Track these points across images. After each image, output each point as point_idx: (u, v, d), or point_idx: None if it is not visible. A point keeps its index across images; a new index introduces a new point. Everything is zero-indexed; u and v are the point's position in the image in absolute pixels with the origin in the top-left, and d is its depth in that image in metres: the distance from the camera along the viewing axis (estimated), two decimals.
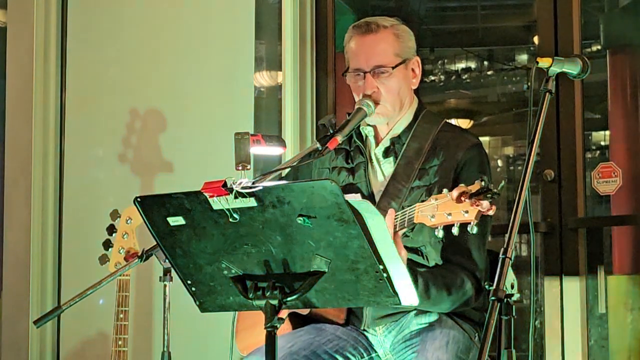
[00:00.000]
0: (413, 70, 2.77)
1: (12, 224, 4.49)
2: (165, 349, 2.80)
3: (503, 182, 2.20)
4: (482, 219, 2.24)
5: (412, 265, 2.49)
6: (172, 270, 2.45)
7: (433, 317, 2.63)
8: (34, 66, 4.49)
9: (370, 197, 2.68)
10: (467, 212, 2.21)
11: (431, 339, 2.52)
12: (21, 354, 4.37)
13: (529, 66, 7.20)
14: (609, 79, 4.48)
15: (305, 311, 2.75)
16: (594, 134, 6.08)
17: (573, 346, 3.72)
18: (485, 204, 2.18)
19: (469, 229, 2.22)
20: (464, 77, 7.87)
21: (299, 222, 1.98)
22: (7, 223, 4.52)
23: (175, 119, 4.30)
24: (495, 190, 2.16)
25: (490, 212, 2.22)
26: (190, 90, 4.28)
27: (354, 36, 2.74)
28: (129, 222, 3.15)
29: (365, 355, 2.71)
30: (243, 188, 1.99)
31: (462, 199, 2.20)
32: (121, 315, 3.16)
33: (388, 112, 2.71)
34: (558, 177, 3.78)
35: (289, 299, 2.07)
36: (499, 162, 8.08)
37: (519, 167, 7.63)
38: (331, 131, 2.65)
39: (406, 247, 2.45)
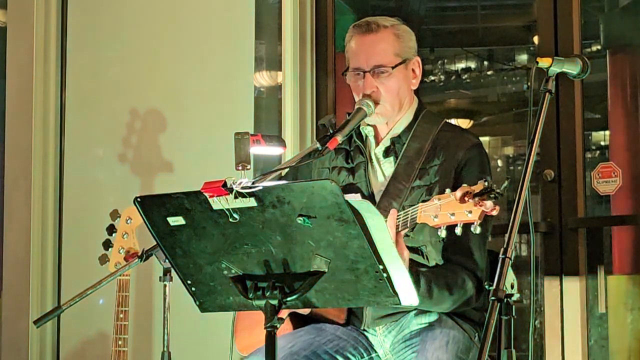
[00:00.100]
0: (413, 70, 2.76)
1: (12, 224, 4.49)
2: (165, 349, 2.80)
3: (506, 182, 2.19)
4: (484, 219, 2.24)
5: (414, 265, 2.49)
6: (172, 270, 2.45)
7: (433, 317, 2.63)
8: (34, 66, 4.49)
9: (370, 197, 2.68)
10: (470, 212, 2.21)
11: (431, 339, 2.52)
12: (21, 354, 4.37)
13: (529, 66, 7.20)
14: (609, 79, 4.48)
15: (306, 311, 2.75)
16: (594, 134, 6.07)
17: (573, 346, 3.72)
18: (488, 204, 2.18)
19: (472, 229, 2.22)
20: (464, 77, 7.86)
21: (299, 222, 1.98)
22: (7, 223, 4.52)
23: (175, 119, 4.30)
24: (498, 191, 2.16)
25: (494, 212, 2.22)
26: (190, 90, 4.28)
27: (355, 36, 2.74)
28: (129, 222, 3.15)
29: (365, 355, 2.71)
30: (243, 188, 1.99)
31: (466, 199, 2.20)
32: (121, 315, 3.16)
33: (387, 112, 2.71)
34: (558, 177, 3.78)
35: (288, 299, 2.07)
36: (499, 162, 8.08)
37: (519, 167, 7.63)
38: (331, 131, 2.65)
39: (407, 247, 2.45)
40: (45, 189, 4.48)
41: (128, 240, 3.14)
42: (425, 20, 6.73)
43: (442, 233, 2.28)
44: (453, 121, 3.96)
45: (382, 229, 1.98)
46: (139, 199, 2.10)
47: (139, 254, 2.79)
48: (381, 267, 2.00)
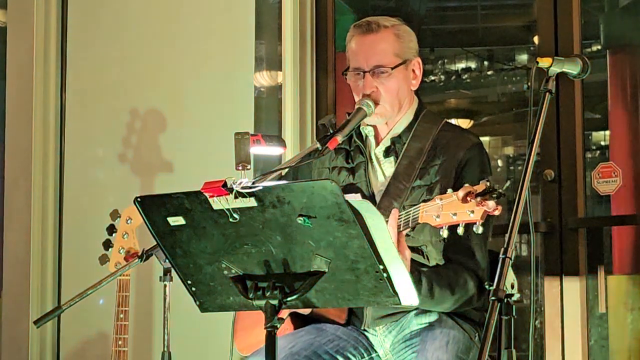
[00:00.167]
0: (414, 71, 2.76)
1: (12, 224, 4.49)
2: (165, 349, 2.80)
3: (508, 182, 2.20)
4: (486, 219, 2.24)
5: (415, 265, 2.49)
6: (172, 270, 2.45)
7: (433, 317, 2.63)
8: (34, 66, 4.49)
9: (370, 197, 2.68)
10: (472, 212, 2.21)
11: (431, 339, 2.52)
12: (21, 354, 4.37)
13: (529, 66, 7.20)
14: (609, 79, 4.48)
15: (306, 311, 2.75)
16: (594, 134, 6.07)
17: (573, 346, 3.72)
18: (491, 204, 2.18)
19: (474, 229, 2.22)
20: (464, 77, 7.86)
21: (299, 222, 1.98)
22: (7, 223, 4.52)
23: (175, 119, 4.30)
24: (501, 191, 2.16)
25: (496, 212, 2.21)
26: (190, 90, 4.28)
27: (355, 35, 2.74)
28: (129, 222, 3.15)
29: (365, 355, 2.71)
30: (243, 188, 1.99)
31: (468, 199, 2.20)
32: (121, 315, 3.15)
33: (387, 113, 2.71)
34: (558, 177, 3.78)
35: (289, 299, 2.07)
36: (499, 162, 8.08)
37: (519, 167, 7.63)
38: (331, 131, 2.65)
39: (408, 247, 2.45)
40: (45, 189, 4.48)
41: (128, 240, 3.14)
42: (425, 20, 6.73)
43: (444, 233, 2.28)
44: (453, 121, 3.95)
45: (382, 229, 1.98)
46: (139, 199, 2.10)
47: (139, 254, 2.79)
48: (381, 267, 2.00)
